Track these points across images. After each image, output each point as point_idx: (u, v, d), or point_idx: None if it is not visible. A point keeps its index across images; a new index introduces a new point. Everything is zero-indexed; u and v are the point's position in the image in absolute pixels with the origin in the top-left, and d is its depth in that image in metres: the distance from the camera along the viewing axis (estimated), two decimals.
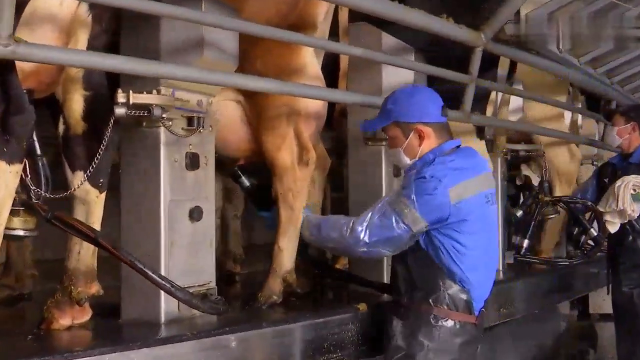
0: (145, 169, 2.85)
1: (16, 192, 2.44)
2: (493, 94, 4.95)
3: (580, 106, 6.31)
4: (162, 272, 2.78)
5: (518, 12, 3.77)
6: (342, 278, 3.85)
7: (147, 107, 2.70)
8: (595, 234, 4.96)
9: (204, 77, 2.72)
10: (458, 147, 3.03)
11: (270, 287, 3.37)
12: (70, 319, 2.77)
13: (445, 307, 2.89)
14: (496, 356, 5.35)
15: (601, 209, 4.79)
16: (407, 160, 3.02)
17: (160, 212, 2.83)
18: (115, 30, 2.81)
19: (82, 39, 2.64)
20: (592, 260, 5.46)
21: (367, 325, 3.27)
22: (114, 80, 2.78)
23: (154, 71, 2.56)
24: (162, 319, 2.81)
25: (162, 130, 2.81)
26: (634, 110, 5.22)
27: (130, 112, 2.68)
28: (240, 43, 3.00)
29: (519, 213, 5.27)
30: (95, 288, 2.80)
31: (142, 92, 2.72)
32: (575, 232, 5.24)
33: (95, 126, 2.72)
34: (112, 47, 2.77)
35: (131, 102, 2.67)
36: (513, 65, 4.83)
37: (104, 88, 2.74)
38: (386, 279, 3.60)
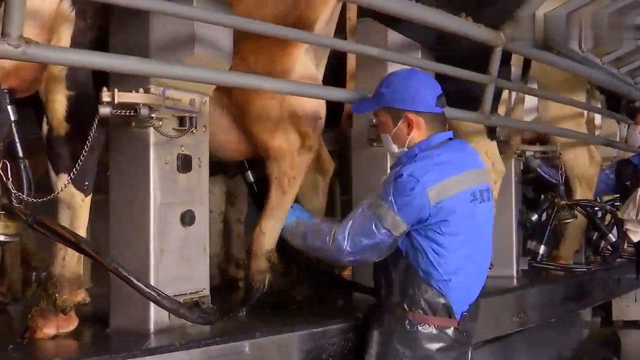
0: (134, 171, 2.76)
1: None
2: (505, 93, 4.78)
3: (599, 105, 6.11)
4: (152, 279, 2.69)
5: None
6: (336, 284, 3.68)
7: (133, 107, 2.61)
8: (614, 239, 4.78)
9: (193, 75, 2.61)
10: (451, 139, 2.87)
11: (258, 269, 3.22)
12: (55, 328, 2.67)
13: (421, 311, 2.76)
14: None
15: (622, 216, 4.62)
16: (395, 149, 2.88)
17: (150, 216, 2.73)
18: (102, 26, 2.71)
19: (64, 36, 2.55)
20: (612, 267, 5.27)
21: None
22: (103, 78, 2.67)
23: (136, 68, 2.44)
24: (152, 329, 2.71)
25: (151, 130, 2.71)
26: None
27: (116, 112, 2.59)
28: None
29: (534, 217, 5.09)
30: (81, 296, 2.70)
31: (131, 91, 2.62)
32: (594, 237, 5.08)
33: (80, 127, 2.62)
34: (98, 44, 2.67)
35: (116, 101, 2.58)
36: (527, 63, 4.66)
37: (89, 87, 2.64)
38: None
